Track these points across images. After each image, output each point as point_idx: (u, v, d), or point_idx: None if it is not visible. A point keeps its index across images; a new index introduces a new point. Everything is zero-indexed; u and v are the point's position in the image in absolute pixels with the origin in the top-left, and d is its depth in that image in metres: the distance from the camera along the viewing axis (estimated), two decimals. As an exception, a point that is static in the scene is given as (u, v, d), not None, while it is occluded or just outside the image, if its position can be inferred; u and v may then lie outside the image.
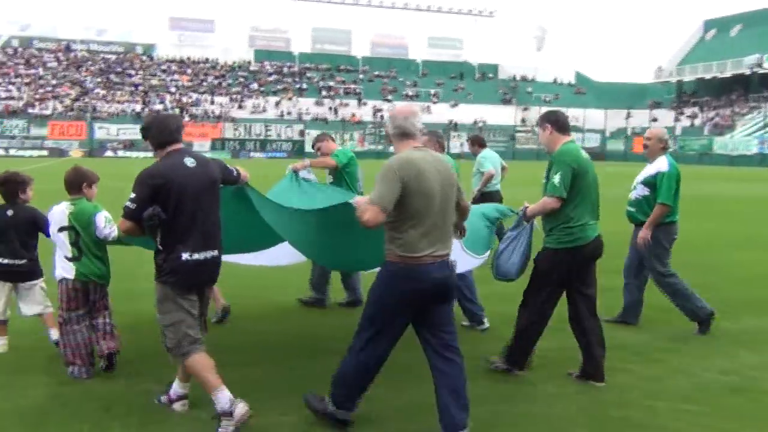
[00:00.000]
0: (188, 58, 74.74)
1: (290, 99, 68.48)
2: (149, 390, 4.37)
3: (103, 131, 57.66)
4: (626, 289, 6.39)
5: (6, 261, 5.13)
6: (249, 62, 76.54)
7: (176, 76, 70.61)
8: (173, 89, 67.54)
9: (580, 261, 4.73)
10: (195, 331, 3.92)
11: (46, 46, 71.28)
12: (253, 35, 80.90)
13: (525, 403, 4.39)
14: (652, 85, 79.50)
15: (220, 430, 3.73)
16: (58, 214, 4.76)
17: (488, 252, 5.37)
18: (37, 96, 61.42)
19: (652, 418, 4.20)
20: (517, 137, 68.39)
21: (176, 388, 4.13)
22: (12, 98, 59.96)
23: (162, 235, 3.85)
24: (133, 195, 3.81)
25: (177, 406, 4.11)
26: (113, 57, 72.31)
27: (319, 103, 68.95)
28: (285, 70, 75.87)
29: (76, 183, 4.77)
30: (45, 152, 51.69)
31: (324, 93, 71.54)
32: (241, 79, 71.96)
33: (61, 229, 4.72)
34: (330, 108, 68.55)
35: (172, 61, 73.92)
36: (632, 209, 6.24)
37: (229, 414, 3.72)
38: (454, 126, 65.44)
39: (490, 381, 4.71)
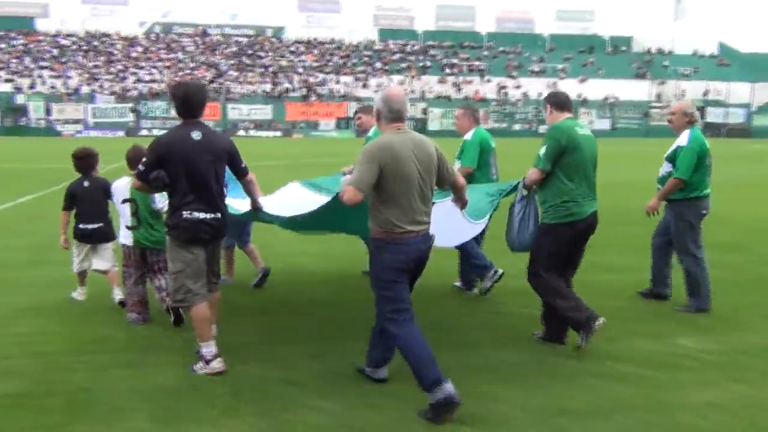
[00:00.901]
0: (315, 39, 76.44)
1: (413, 77, 68.48)
2: (279, 377, 4.42)
3: (235, 112, 60.34)
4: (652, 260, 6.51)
5: (85, 226, 6.08)
6: (373, 41, 77.20)
7: (303, 57, 72.49)
8: (300, 70, 69.41)
9: (577, 234, 4.94)
10: (194, 283, 4.45)
11: (184, 31, 75.30)
12: (378, 14, 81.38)
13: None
14: (807, 54, 72.56)
15: (193, 366, 4.48)
16: (121, 188, 5.60)
17: (487, 218, 5.58)
18: (177, 78, 65.11)
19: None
20: (651, 114, 64.70)
21: (205, 349, 4.47)
22: (155, 81, 63.97)
23: (168, 196, 4.52)
24: (144, 159, 4.47)
25: (215, 364, 4.46)
26: (245, 40, 75.25)
27: (442, 81, 68.51)
28: (408, 48, 75.88)
29: (135, 160, 5.37)
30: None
31: (447, 71, 70.95)
32: (366, 59, 72.75)
33: (124, 201, 5.54)
34: (454, 84, 67.94)
35: (300, 42, 75.89)
36: (659, 186, 6.23)
37: (206, 362, 4.44)
38: (583, 102, 62.99)
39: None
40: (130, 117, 58.41)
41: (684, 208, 6.04)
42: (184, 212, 4.42)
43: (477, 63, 72.62)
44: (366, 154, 3.87)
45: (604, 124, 62.83)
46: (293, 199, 5.95)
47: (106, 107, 58.64)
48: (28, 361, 4.64)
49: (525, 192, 5.09)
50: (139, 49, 70.91)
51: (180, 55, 70.22)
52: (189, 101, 4.50)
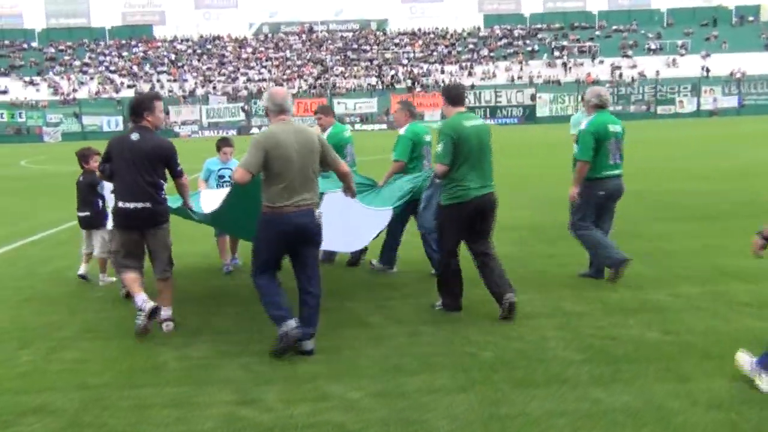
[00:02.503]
0: (419, 30, 75.84)
1: (521, 62, 66.40)
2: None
3: (341, 106, 60.79)
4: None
5: (78, 213, 7.26)
6: (479, 28, 75.57)
7: (408, 48, 72.05)
8: (405, 61, 69.02)
9: (466, 215, 5.54)
10: (128, 260, 5.41)
11: (291, 29, 76.82)
12: (483, 0, 79.51)
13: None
14: None
15: (137, 321, 5.20)
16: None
17: (395, 205, 6.34)
18: (285, 76, 66.56)
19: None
20: (784, 88, 59.29)
21: (138, 298, 5.24)
22: (264, 80, 65.68)
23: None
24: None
25: (146, 305, 5.18)
26: (350, 35, 75.78)
27: (551, 65, 66.01)
28: (516, 33, 73.67)
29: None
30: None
31: (556, 54, 68.27)
32: (471, 46, 71.31)
33: (112, 192, 6.03)
34: (564, 65, 65.28)
35: (404, 33, 75.53)
36: (573, 166, 6.87)
37: (140, 309, 5.18)
38: (705, 78, 58.73)
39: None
40: (242, 116, 60.24)
41: (582, 186, 6.46)
42: (119, 202, 5.35)
43: (588, 44, 69.41)
44: (254, 142, 4.71)
45: (731, 101, 58.22)
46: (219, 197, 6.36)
47: (218, 107, 60.84)
48: (70, 395, 4.32)
49: (433, 182, 5.99)
50: (249, 49, 73.07)
51: (287, 54, 71.73)
52: (134, 108, 5.45)
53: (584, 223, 6.53)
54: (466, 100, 5.96)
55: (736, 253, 7.32)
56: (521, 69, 65.40)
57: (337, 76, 66.59)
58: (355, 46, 73.28)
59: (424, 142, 6.94)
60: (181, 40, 74.76)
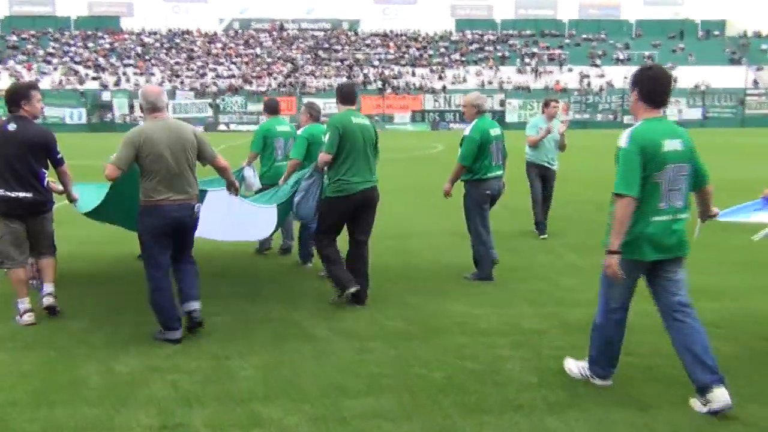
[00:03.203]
0: (391, 31, 75.59)
1: (491, 68, 66.56)
2: None
3: (310, 106, 60.22)
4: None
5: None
6: (450, 32, 75.61)
7: (379, 50, 71.75)
8: (376, 62, 68.70)
9: (348, 207, 5.91)
10: (14, 251, 5.47)
11: (262, 26, 75.93)
12: (455, 4, 79.59)
13: None
14: None
15: (20, 320, 5.48)
16: None
17: (280, 202, 6.45)
18: (254, 74, 65.71)
19: None
20: (747, 102, 60.39)
21: (21, 305, 5.50)
22: (233, 76, 64.75)
23: None
24: None
25: (26, 317, 5.48)
26: (321, 34, 75.19)
27: (521, 71, 66.28)
28: (486, 38, 73.87)
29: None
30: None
31: (527, 60, 68.60)
32: (442, 50, 71.30)
33: None
34: (533, 71, 65.60)
35: (376, 35, 75.21)
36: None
37: (20, 315, 5.48)
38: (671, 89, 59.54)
39: None
40: (209, 112, 59.24)
41: (469, 188, 6.98)
42: (1, 190, 5.38)
43: (558, 51, 69.89)
44: (125, 139, 4.95)
45: (695, 114, 59.07)
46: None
47: (186, 103, 59.71)
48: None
49: (314, 173, 6.06)
50: (219, 45, 71.99)
51: (257, 51, 70.85)
52: (10, 97, 5.52)
53: (483, 230, 7.01)
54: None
55: (700, 270, 7.13)
56: (494, 74, 65.54)
57: (307, 75, 65.94)
58: (326, 45, 72.67)
59: (320, 142, 7.04)
60: (149, 33, 73.31)
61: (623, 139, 3.88)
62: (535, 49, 70.62)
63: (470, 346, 5.01)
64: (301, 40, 73.48)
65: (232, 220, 6.32)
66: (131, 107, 57.90)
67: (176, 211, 4.96)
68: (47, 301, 5.68)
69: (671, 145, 3.87)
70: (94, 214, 6.46)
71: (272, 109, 8.21)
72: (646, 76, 4.04)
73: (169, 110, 54.40)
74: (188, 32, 73.99)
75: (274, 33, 75.01)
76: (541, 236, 9.25)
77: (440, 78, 64.81)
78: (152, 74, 64.73)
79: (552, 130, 9.35)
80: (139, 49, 69.66)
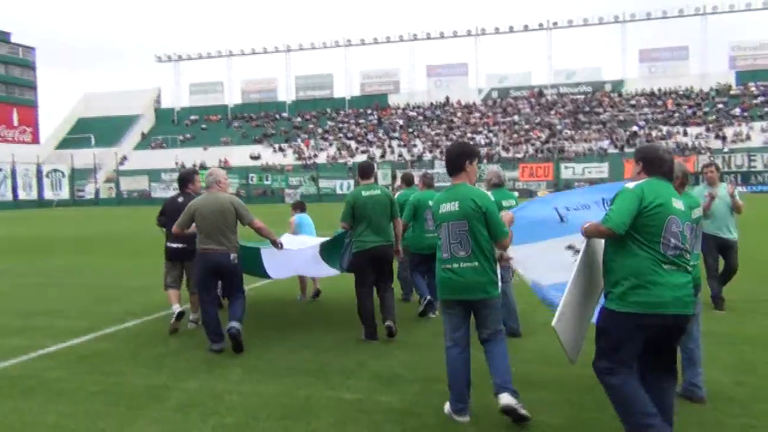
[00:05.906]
0: (659, 90, 70.71)
1: (781, 122, 58.39)
2: None
3: (569, 171, 58.03)
4: None
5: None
6: (729, 86, 68.40)
7: (645, 110, 67.31)
8: (642, 123, 64.41)
9: (366, 261, 7.22)
10: (169, 279, 7.83)
11: (520, 94, 76.01)
12: (734, 55, 72.07)
13: None
14: None
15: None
16: None
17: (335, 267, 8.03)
18: (511, 141, 65.51)
19: None
20: None
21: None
22: (489, 144, 65.23)
23: None
24: None
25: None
26: (581, 97, 72.94)
27: (820, 125, 57.12)
28: (774, 89, 65.39)
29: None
30: (516, 193, 54.05)
31: (828, 111, 59.03)
32: (720, 106, 64.58)
33: None
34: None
35: (642, 94, 70.89)
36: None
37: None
38: None
39: None
40: (465, 180, 59.91)
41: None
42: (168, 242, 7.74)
43: None
44: (185, 209, 7.02)
45: None
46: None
47: (442, 171, 61.28)
48: None
49: (348, 233, 7.36)
50: (477, 114, 73.46)
51: (515, 118, 70.80)
52: (180, 180, 8.02)
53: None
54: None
55: None
56: (781, 130, 57.48)
57: (566, 139, 63.98)
58: (586, 108, 70.16)
59: (427, 206, 8.10)
60: (413, 107, 77.50)
61: None
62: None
63: None
64: (560, 105, 71.98)
65: (294, 263, 8.21)
66: (393, 177, 60.99)
67: (217, 257, 6.77)
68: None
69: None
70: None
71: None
72: None
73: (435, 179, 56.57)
74: (448, 104, 76.75)
75: (533, 99, 74.55)
76: None
77: (717, 137, 58.48)
78: (414, 145, 67.86)
79: (717, 194, 8.16)
80: (402, 122, 73.80)
